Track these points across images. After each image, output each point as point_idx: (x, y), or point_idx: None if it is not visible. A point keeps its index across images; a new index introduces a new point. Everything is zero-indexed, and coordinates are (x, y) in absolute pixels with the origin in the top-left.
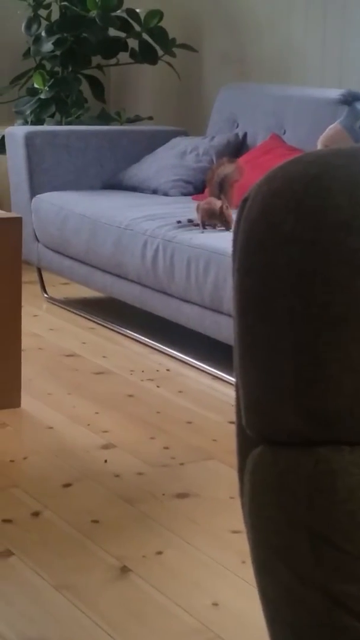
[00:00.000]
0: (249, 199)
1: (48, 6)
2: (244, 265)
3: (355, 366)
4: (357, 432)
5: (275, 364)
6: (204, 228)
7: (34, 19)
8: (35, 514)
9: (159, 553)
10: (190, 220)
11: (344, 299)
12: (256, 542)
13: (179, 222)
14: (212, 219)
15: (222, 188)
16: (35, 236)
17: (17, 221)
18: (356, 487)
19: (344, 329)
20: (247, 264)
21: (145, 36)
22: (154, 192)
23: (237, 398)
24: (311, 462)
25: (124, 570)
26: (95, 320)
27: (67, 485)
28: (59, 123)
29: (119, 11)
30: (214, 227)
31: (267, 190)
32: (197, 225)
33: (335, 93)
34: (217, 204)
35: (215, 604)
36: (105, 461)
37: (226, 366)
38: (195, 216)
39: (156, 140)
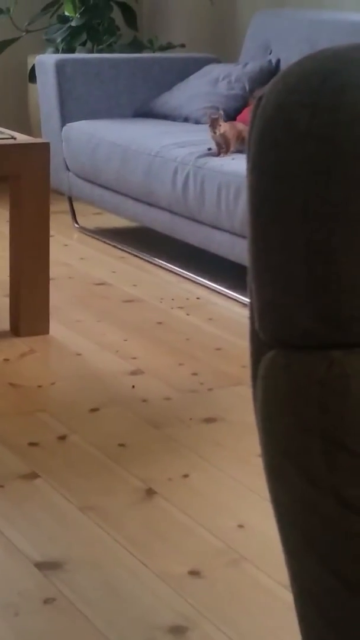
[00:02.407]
0: (264, 96)
1: None
2: (257, 164)
3: None
4: None
5: (289, 265)
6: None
7: None
8: (62, 438)
9: (185, 476)
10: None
11: None
12: (268, 448)
13: (209, 149)
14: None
15: None
16: (66, 165)
17: (45, 147)
18: None
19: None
20: (260, 162)
21: None
22: (186, 120)
23: (251, 302)
24: (324, 365)
25: (150, 492)
26: (126, 250)
27: (94, 410)
28: (91, 51)
29: None
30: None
31: (282, 87)
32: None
33: None
34: (240, 125)
35: (240, 526)
36: (133, 387)
37: None
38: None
39: (188, 68)
